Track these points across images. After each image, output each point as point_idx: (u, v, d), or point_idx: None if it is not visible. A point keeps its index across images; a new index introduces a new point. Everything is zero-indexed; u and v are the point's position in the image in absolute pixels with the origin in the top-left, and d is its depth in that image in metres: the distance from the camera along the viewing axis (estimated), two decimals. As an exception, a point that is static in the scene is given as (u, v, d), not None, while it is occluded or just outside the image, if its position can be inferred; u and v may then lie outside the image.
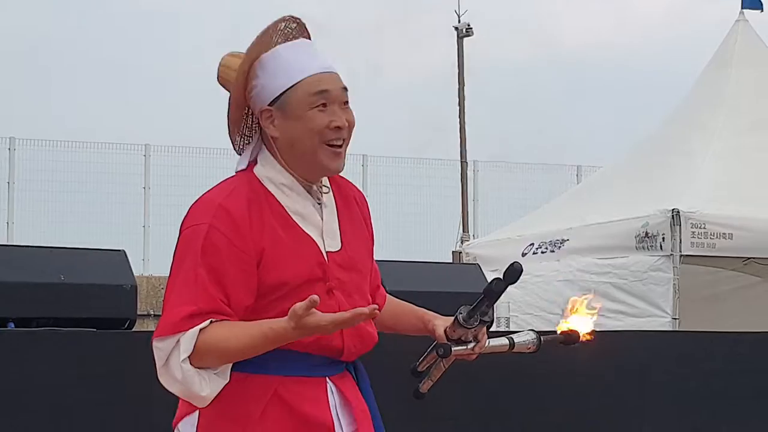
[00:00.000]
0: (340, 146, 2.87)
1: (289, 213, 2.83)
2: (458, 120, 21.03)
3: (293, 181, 2.86)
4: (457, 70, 21.21)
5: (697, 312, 10.52)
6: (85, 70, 30.11)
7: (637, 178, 11.57)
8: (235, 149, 2.93)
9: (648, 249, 10.39)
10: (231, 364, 2.74)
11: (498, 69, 34.14)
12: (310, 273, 2.80)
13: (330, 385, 2.86)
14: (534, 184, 21.21)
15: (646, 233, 10.33)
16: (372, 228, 3.08)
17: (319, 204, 2.90)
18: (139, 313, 5.79)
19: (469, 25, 21.19)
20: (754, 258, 10.93)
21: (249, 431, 2.77)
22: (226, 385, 2.75)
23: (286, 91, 2.82)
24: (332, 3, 37.20)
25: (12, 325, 4.91)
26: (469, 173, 21.01)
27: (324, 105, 2.83)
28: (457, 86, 21.18)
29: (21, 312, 4.84)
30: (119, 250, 5.66)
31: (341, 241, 2.90)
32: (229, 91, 2.89)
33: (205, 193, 2.85)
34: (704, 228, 10.29)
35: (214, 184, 2.87)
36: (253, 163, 2.90)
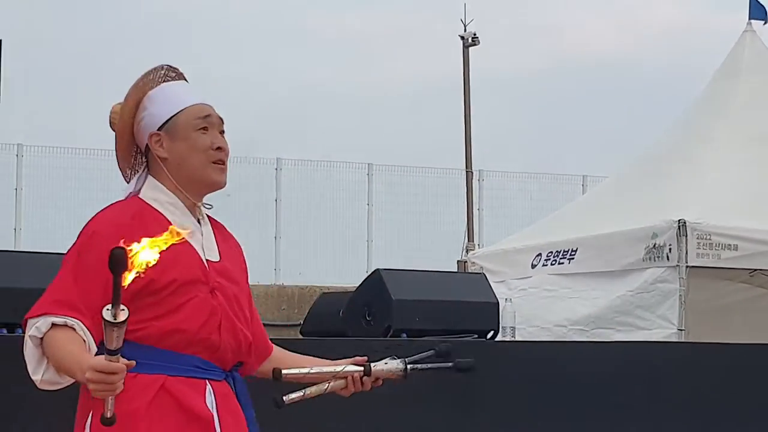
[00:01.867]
0: (223, 164, 3.21)
1: (171, 223, 3.07)
2: (464, 129, 21.06)
3: (177, 200, 3.17)
4: (463, 79, 21.25)
5: (703, 323, 10.50)
6: (94, 76, 30.17)
7: (643, 188, 11.55)
8: (124, 179, 3.28)
9: (655, 260, 10.37)
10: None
11: (503, 78, 34.18)
12: (193, 275, 3.10)
13: (209, 387, 3.10)
14: (539, 194, 21.22)
15: (655, 245, 10.31)
16: (247, 277, 3.36)
17: (199, 222, 3.21)
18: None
19: (475, 35, 21.22)
20: (760, 270, 10.90)
21: (135, 425, 2.98)
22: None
23: (173, 116, 3.18)
24: (341, 12, 37.27)
25: (20, 331, 4.91)
26: (475, 183, 21.03)
27: (206, 128, 3.19)
28: (463, 95, 21.21)
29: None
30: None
31: (219, 255, 3.21)
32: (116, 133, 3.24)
33: (99, 211, 3.17)
34: (710, 239, 10.26)
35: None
36: (137, 192, 3.21)
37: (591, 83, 35.50)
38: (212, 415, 3.07)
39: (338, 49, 36.99)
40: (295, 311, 17.46)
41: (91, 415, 3.02)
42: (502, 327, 7.26)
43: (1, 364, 4.63)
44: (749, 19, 12.61)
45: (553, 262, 11.45)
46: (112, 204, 3.20)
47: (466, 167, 20.80)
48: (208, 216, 3.29)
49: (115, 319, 2.67)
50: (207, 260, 3.16)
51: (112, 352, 2.72)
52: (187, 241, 3.05)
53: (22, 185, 18.42)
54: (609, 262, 10.83)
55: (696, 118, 12.16)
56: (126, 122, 3.21)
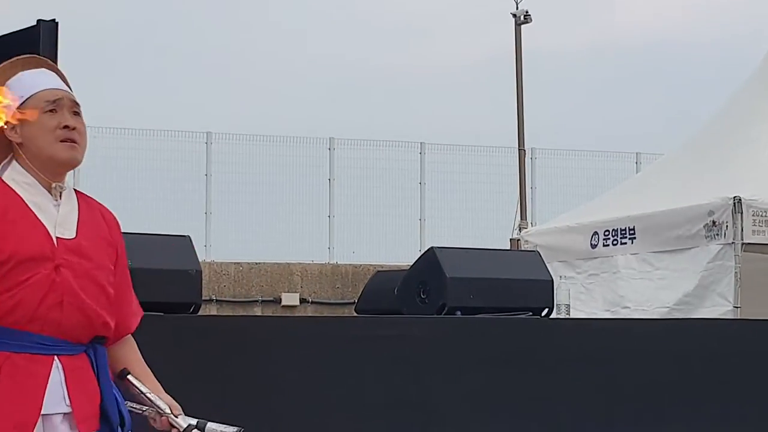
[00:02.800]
0: (74, 142, 3.31)
1: (27, 203, 3.24)
2: (516, 107, 21.00)
3: (34, 180, 3.28)
4: (515, 57, 21.18)
5: (758, 300, 10.44)
6: (146, 57, 30.37)
7: (697, 165, 11.49)
8: None
9: (712, 238, 10.33)
10: None
11: (557, 55, 34.01)
12: (35, 251, 3.18)
13: (56, 361, 3.19)
14: (592, 172, 21.13)
15: (713, 222, 10.27)
16: (120, 249, 3.44)
17: (57, 201, 3.30)
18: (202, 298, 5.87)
19: (527, 12, 21.12)
20: (815, 246, 10.82)
21: None
22: None
23: (24, 101, 3.31)
24: (390, -10, 37.20)
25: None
26: (527, 161, 20.97)
27: (54, 110, 3.30)
28: (515, 73, 21.14)
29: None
30: (185, 236, 5.73)
31: (76, 233, 3.29)
32: None
33: None
34: (765, 215, 10.21)
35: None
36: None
37: (644, 60, 35.25)
38: (44, 387, 3.15)
39: (390, 29, 36.97)
40: (349, 289, 17.54)
41: None
42: (557, 304, 7.27)
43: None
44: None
45: (615, 242, 11.42)
46: None
47: (519, 145, 20.74)
48: (80, 195, 3.41)
49: None
50: (57, 237, 3.24)
51: None
52: (34, 218, 3.22)
53: (79, 166, 18.75)
54: (670, 241, 10.79)
55: (751, 95, 12.07)
56: None
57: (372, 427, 5.71)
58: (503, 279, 6.74)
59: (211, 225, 18.99)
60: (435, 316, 6.37)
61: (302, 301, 17.58)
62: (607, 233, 11.50)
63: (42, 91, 3.33)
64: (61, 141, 3.28)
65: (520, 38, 21.23)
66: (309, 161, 19.93)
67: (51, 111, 3.30)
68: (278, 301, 17.43)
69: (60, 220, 3.28)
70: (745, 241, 10.13)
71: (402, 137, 20.99)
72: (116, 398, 3.31)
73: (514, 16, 21.22)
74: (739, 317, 9.80)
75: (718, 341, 6.70)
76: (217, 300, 16.80)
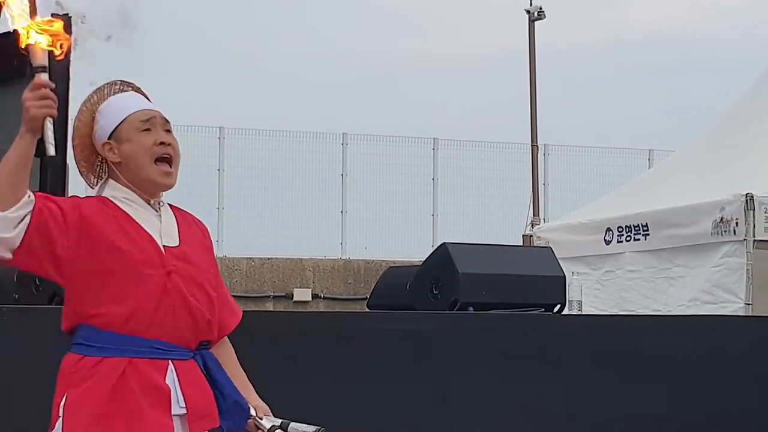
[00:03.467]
0: (170, 165, 3.48)
1: (131, 216, 3.43)
2: (529, 103, 20.99)
3: (134, 195, 3.46)
4: (528, 53, 21.17)
5: (769, 297, 10.43)
6: (162, 52, 30.41)
7: (710, 162, 11.47)
8: (88, 185, 3.59)
9: (722, 234, 10.31)
10: (18, 206, 3.20)
11: (570, 51, 33.97)
12: (146, 257, 3.35)
13: (171, 366, 3.35)
14: (605, 168, 21.11)
15: (722, 218, 10.25)
16: (213, 255, 3.62)
17: (158, 214, 3.48)
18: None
19: (541, 8, 21.11)
20: (828, 243, 10.79)
21: (102, 407, 3.26)
22: (83, 367, 3.28)
23: (119, 124, 3.48)
24: (403, -14, 37.19)
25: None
26: (540, 157, 20.97)
27: (149, 129, 3.47)
28: (529, 69, 21.13)
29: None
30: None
31: (179, 240, 3.47)
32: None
33: None
34: (778, 213, 10.18)
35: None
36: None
37: (657, 57, 35.19)
38: (170, 389, 3.32)
39: (403, 24, 36.99)
40: (362, 285, 17.55)
41: (65, 398, 3.28)
42: (569, 300, 7.27)
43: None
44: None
45: (628, 238, 11.40)
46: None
47: (532, 141, 20.73)
48: (172, 207, 3.56)
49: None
50: (164, 246, 3.41)
51: (40, 69, 3.26)
52: (141, 228, 3.40)
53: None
54: (680, 238, 10.77)
55: (764, 92, 12.04)
56: (83, 137, 3.53)
57: (385, 422, 5.73)
58: (515, 275, 6.74)
59: (223, 220, 19.04)
60: (447, 311, 6.38)
61: (314, 296, 17.60)
62: (620, 230, 11.48)
63: (134, 113, 3.50)
64: (158, 159, 3.45)
65: (533, 34, 21.22)
66: (322, 156, 19.94)
67: (146, 130, 3.48)
68: (290, 296, 17.46)
69: (164, 229, 3.46)
70: (757, 238, 10.11)
71: (415, 133, 21.00)
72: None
73: (528, 12, 21.21)
74: (750, 314, 9.78)
75: (730, 338, 6.70)
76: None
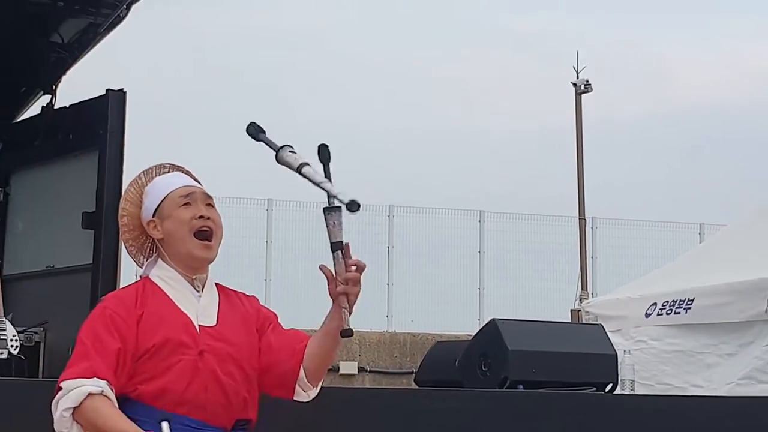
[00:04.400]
0: (210, 240, 3.54)
1: (170, 297, 3.51)
2: (576, 176, 20.97)
3: (176, 274, 3.55)
4: (575, 126, 21.18)
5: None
6: (210, 124, 30.67)
7: (763, 237, 11.37)
8: (137, 264, 3.68)
9: (773, 312, 10.18)
10: None
11: (618, 123, 33.95)
12: (180, 339, 3.43)
13: None
14: (654, 242, 20.97)
15: (773, 297, 10.12)
16: (265, 312, 3.70)
17: (198, 293, 3.55)
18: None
19: (587, 81, 21.15)
20: None
21: None
22: None
23: (161, 202, 3.58)
24: (455, 59, 37.42)
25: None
26: (588, 230, 20.89)
27: (188, 204, 3.57)
28: (576, 142, 21.13)
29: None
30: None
31: (217, 320, 3.53)
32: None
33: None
34: (833, 294, 10.06)
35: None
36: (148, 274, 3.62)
37: (708, 129, 35.04)
38: None
39: (450, 97, 37.14)
40: (408, 358, 17.47)
41: None
42: (621, 380, 7.19)
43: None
44: None
45: (669, 312, 11.30)
46: (125, 286, 3.65)
47: (579, 215, 20.67)
48: (220, 287, 3.64)
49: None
50: (200, 325, 3.49)
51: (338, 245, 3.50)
52: (178, 310, 3.47)
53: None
54: (725, 314, 10.65)
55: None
56: (132, 217, 3.64)
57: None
58: (566, 353, 6.69)
59: (270, 291, 19.07)
60: (497, 389, 6.33)
61: (360, 369, 17.53)
62: (665, 304, 11.38)
63: (175, 189, 3.60)
64: (197, 231, 3.53)
65: (580, 107, 21.25)
66: (368, 228, 19.96)
67: (185, 205, 3.57)
68: (336, 369, 17.40)
69: (201, 310, 3.52)
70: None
71: (461, 205, 21.00)
72: None
73: (575, 85, 21.25)
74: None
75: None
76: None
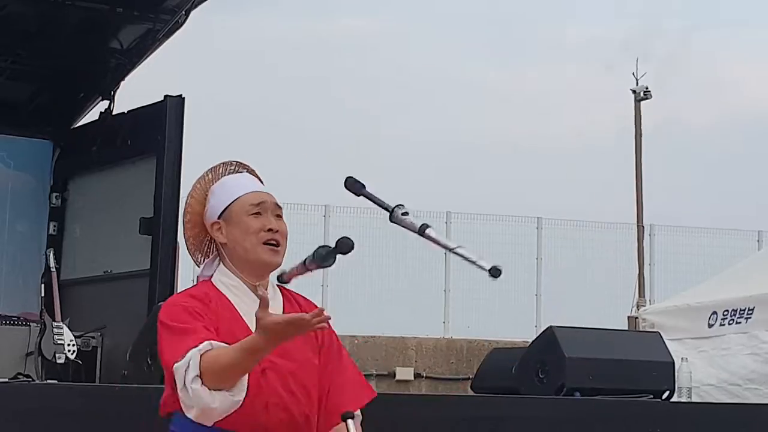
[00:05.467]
0: (277, 246, 3.42)
1: (235, 307, 3.36)
2: (635, 183, 20.85)
3: (239, 282, 3.41)
4: (634, 132, 21.08)
5: None
6: (270, 133, 30.82)
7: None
8: (196, 263, 3.55)
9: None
10: (242, 386, 3.17)
11: (676, 130, 33.69)
12: None
13: None
14: (712, 249, 20.78)
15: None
16: (329, 338, 3.52)
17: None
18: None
19: (647, 88, 21.03)
20: None
21: None
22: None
23: (229, 205, 3.44)
24: (513, 67, 37.36)
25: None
26: (646, 237, 20.76)
27: (258, 213, 3.43)
28: (635, 148, 21.02)
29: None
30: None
31: None
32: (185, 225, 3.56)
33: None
34: None
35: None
36: (210, 276, 3.48)
37: (766, 137, 34.69)
38: None
39: (508, 103, 37.05)
40: (464, 365, 17.43)
41: None
42: (678, 387, 7.13)
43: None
44: None
45: (731, 322, 11.20)
46: (187, 288, 3.51)
47: (637, 221, 20.55)
48: (283, 290, 3.50)
49: None
50: None
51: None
52: (242, 322, 3.32)
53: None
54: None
55: None
56: (195, 214, 3.52)
57: None
58: (623, 360, 6.64)
59: (328, 297, 19.09)
60: (554, 396, 6.30)
61: (416, 375, 17.50)
62: (725, 313, 11.28)
63: (246, 194, 3.47)
64: (264, 243, 3.40)
65: (639, 114, 21.15)
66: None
67: (255, 214, 3.43)
68: (393, 375, 17.39)
69: None
70: None
71: (519, 212, 20.93)
72: None
73: (634, 92, 21.14)
74: None
75: None
76: (366, 374, 16.86)
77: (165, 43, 8.64)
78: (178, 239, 7.68)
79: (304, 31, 36.04)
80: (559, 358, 6.46)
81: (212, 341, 3.18)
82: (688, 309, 11.97)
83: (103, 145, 8.44)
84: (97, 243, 8.43)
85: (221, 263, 3.47)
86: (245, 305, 3.36)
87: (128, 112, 8.45)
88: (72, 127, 9.04)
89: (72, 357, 7.37)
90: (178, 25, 8.49)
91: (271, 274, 3.48)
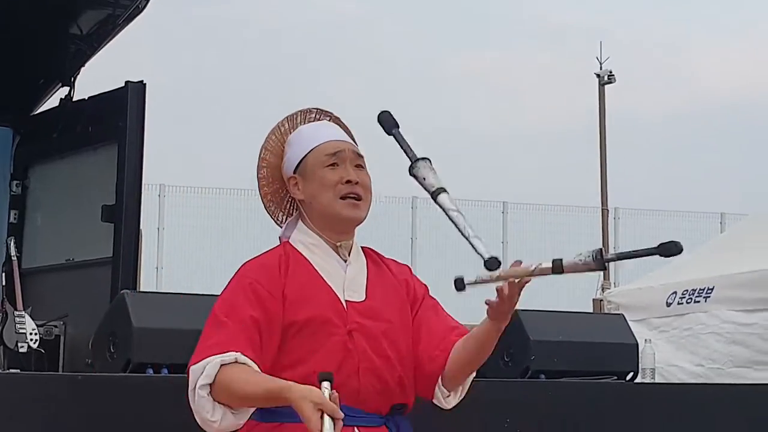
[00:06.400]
0: (358, 200, 3.16)
1: (315, 267, 3.12)
2: (599, 167, 20.91)
3: (320, 240, 3.15)
4: (599, 117, 21.13)
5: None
6: (229, 118, 30.74)
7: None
8: (276, 223, 3.31)
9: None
10: (248, 411, 2.97)
11: (641, 115, 33.84)
12: (326, 317, 3.05)
13: None
14: (676, 232, 20.91)
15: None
16: (416, 285, 3.31)
17: (345, 261, 3.17)
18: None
19: (611, 72, 21.08)
20: None
21: None
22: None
23: (304, 157, 3.18)
24: (475, 51, 37.40)
25: (165, 371, 5.00)
26: (611, 220, 20.84)
27: (335, 164, 3.16)
28: (599, 133, 21.08)
29: (174, 359, 4.92)
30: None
31: (366, 294, 3.15)
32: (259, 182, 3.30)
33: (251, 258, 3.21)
34: None
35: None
36: (289, 237, 3.23)
37: (730, 120, 34.92)
38: None
39: (473, 89, 37.08)
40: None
41: None
42: (642, 368, 7.17)
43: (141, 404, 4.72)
44: None
45: (689, 301, 11.29)
46: (265, 252, 3.21)
47: (602, 205, 20.63)
48: (367, 251, 3.26)
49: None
50: (346, 301, 3.11)
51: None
52: (323, 282, 3.09)
53: (164, 225, 18.89)
54: (747, 301, 10.63)
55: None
56: (272, 168, 3.26)
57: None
58: (588, 342, 6.66)
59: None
60: (520, 380, 6.31)
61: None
62: (685, 292, 11.36)
63: (322, 144, 3.20)
64: (343, 197, 3.15)
65: (603, 98, 21.20)
66: (391, 219, 19.90)
67: (332, 165, 3.17)
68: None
69: (348, 282, 3.15)
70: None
71: (485, 196, 20.98)
72: None
73: (598, 76, 21.19)
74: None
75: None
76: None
77: (126, 29, 8.57)
78: (141, 227, 7.65)
79: (268, 15, 35.99)
80: (524, 340, 6.47)
81: (239, 355, 2.94)
82: (651, 290, 12.05)
83: (63, 131, 8.37)
84: (59, 231, 8.36)
85: (300, 221, 3.22)
86: (327, 264, 3.14)
87: (89, 98, 8.38)
88: (32, 114, 8.96)
89: (34, 346, 7.32)
90: (138, 10, 8.42)
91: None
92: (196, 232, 19.14)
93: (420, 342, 3.22)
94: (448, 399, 3.29)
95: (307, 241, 3.16)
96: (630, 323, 7.18)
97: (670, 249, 3.05)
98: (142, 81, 7.87)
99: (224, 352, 2.95)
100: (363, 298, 3.14)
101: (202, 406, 2.95)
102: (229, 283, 3.13)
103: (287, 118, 3.27)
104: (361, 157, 3.22)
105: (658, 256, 3.05)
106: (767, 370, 10.24)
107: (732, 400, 6.50)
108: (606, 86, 20.97)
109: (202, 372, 2.94)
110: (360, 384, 3.06)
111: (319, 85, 35.16)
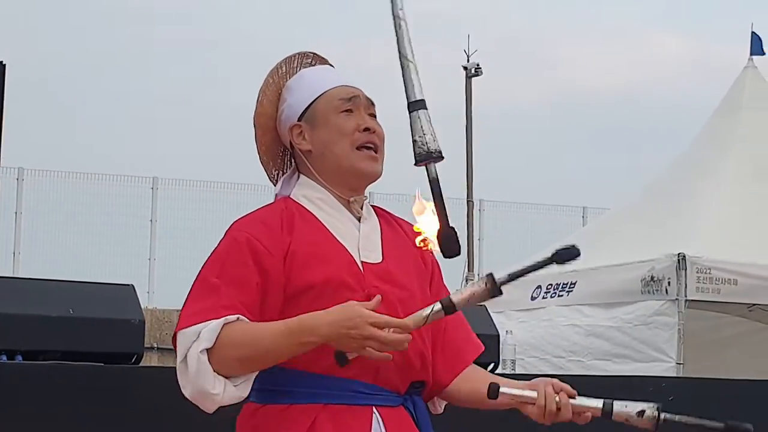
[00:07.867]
0: (376, 151, 2.83)
1: (324, 224, 2.76)
2: (465, 159, 21.06)
3: (328, 195, 2.80)
4: (465, 110, 21.27)
5: (701, 357, 10.50)
6: (93, 101, 30.24)
7: (644, 221, 11.57)
8: (270, 181, 2.92)
9: (653, 293, 10.38)
10: (248, 383, 2.64)
11: (507, 109, 34.24)
12: (341, 279, 2.69)
13: (376, 416, 2.69)
14: (540, 225, 21.21)
15: (652, 277, 10.33)
16: (434, 264, 2.95)
17: (357, 219, 2.82)
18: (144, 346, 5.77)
19: (478, 65, 21.24)
20: (759, 304, 10.91)
21: None
22: (265, 417, 2.68)
23: (312, 102, 2.82)
24: (344, 40, 37.40)
25: (20, 357, 4.90)
26: (475, 212, 21.02)
27: (350, 110, 2.82)
28: (465, 126, 21.22)
29: (29, 345, 4.84)
30: (128, 285, 5.63)
31: (383, 256, 2.80)
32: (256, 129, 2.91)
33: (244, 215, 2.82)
34: (709, 273, 10.28)
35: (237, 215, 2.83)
36: (288, 194, 2.87)
37: (594, 115, 35.56)
38: None
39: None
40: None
41: None
42: (503, 359, 7.25)
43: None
44: (750, 55, 12.67)
45: (553, 295, 11.45)
46: (262, 207, 2.85)
47: (467, 197, 20.80)
48: (379, 211, 2.93)
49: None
50: (362, 262, 2.76)
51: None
52: (335, 241, 2.74)
53: (22, 209, 18.44)
54: (607, 295, 10.84)
55: (697, 153, 12.20)
56: (267, 117, 2.88)
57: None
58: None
59: (155, 271, 18.76)
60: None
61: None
62: (549, 287, 11.53)
63: (335, 88, 2.85)
64: (360, 146, 2.80)
65: (470, 91, 21.34)
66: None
67: (347, 111, 2.82)
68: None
69: (363, 242, 2.79)
70: (688, 298, 10.19)
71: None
72: None
73: (465, 68, 21.33)
74: (682, 374, 9.82)
75: (662, 398, 6.67)
76: (158, 348, 16.62)
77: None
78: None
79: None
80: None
81: (240, 317, 2.60)
82: (515, 284, 12.18)
83: None
84: None
85: (301, 175, 2.84)
86: (337, 221, 2.78)
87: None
88: None
89: None
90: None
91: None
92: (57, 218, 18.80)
93: (448, 329, 2.91)
94: (438, 407, 2.99)
95: (312, 196, 2.79)
96: (492, 314, 7.25)
97: (567, 255, 2.78)
98: (1, 61, 7.69)
99: (220, 317, 2.59)
100: (380, 260, 2.77)
101: (203, 374, 2.56)
102: (220, 242, 2.74)
103: (284, 60, 2.91)
104: (374, 105, 2.90)
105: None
106: (626, 362, 10.46)
107: (591, 392, 6.60)
108: (473, 79, 21.11)
109: (197, 336, 2.57)
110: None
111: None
